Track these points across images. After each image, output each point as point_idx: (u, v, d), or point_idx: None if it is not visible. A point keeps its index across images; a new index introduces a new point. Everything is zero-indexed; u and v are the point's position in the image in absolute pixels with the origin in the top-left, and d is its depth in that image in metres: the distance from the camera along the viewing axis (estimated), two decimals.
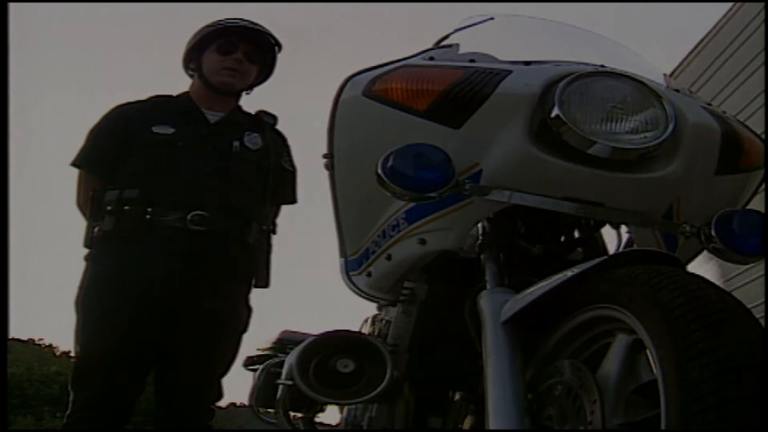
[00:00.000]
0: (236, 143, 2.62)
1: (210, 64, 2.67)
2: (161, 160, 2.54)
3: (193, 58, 2.71)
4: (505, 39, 1.82)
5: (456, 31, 1.82)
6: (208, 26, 2.69)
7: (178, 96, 2.75)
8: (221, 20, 2.70)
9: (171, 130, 2.58)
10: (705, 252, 1.61)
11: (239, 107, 2.76)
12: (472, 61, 1.58)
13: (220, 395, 2.61)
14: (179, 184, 2.51)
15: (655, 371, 1.05)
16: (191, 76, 2.76)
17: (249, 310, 2.65)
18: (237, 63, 2.65)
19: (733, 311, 1.03)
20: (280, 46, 2.77)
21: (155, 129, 2.58)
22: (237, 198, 2.58)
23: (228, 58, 2.65)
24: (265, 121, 2.74)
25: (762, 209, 1.62)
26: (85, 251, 2.59)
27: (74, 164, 2.69)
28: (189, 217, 2.47)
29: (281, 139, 2.79)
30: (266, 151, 2.67)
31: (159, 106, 2.69)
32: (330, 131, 1.72)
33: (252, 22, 2.71)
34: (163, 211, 2.47)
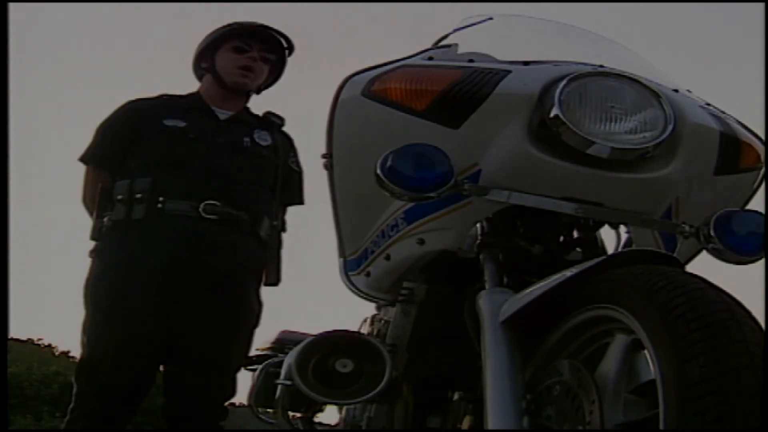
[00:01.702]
0: (247, 139, 2.64)
1: (224, 63, 2.68)
2: (173, 151, 2.54)
3: (206, 57, 2.73)
4: (504, 39, 1.82)
5: (455, 31, 1.82)
6: (222, 27, 2.72)
7: (187, 95, 2.76)
8: (236, 22, 2.72)
9: (182, 124, 2.59)
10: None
11: (247, 108, 2.78)
12: (471, 61, 1.58)
13: (233, 392, 2.55)
14: (191, 174, 2.50)
15: (653, 371, 1.05)
16: (201, 76, 2.78)
17: (260, 305, 2.62)
18: (251, 61, 2.67)
19: (732, 311, 1.03)
20: (292, 49, 2.79)
21: (166, 122, 2.59)
22: (248, 191, 2.58)
23: (242, 57, 2.67)
24: (272, 122, 2.76)
25: (762, 209, 1.62)
26: (91, 247, 2.55)
27: (82, 160, 2.69)
28: (201, 206, 2.45)
29: (288, 140, 2.81)
30: (275, 148, 2.69)
31: (169, 102, 2.71)
32: (329, 131, 1.72)
33: (266, 25, 2.73)
34: (175, 200, 2.46)
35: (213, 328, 2.41)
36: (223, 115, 2.67)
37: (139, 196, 2.45)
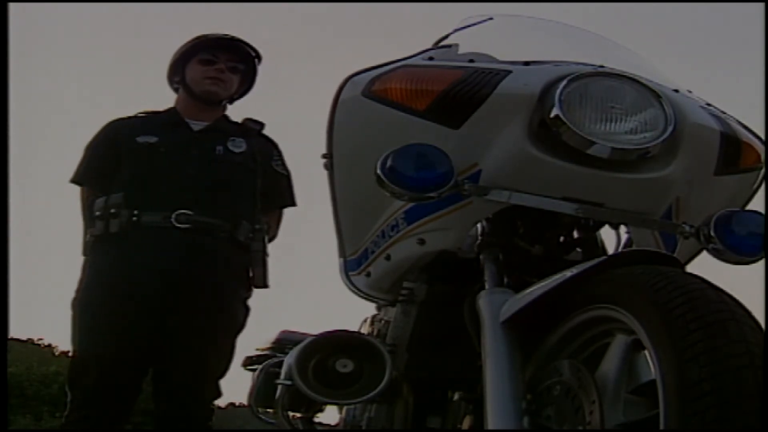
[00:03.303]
0: (219, 147, 2.70)
1: (193, 75, 2.76)
2: (144, 165, 2.63)
3: (178, 71, 2.80)
4: (504, 39, 1.82)
5: (455, 31, 1.82)
6: (190, 41, 2.79)
7: (164, 110, 2.83)
8: (203, 34, 2.79)
9: (154, 139, 2.67)
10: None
11: (225, 117, 2.83)
12: (471, 61, 1.58)
13: (218, 394, 2.64)
14: (163, 186, 2.59)
15: (653, 371, 1.05)
16: (176, 90, 2.84)
17: (246, 309, 2.68)
18: (219, 72, 2.74)
19: (732, 311, 1.03)
20: (259, 58, 2.85)
21: (139, 139, 2.67)
22: (223, 198, 2.64)
23: (210, 69, 2.74)
24: (250, 128, 2.81)
25: (762, 209, 1.62)
26: (83, 261, 2.65)
27: (72, 181, 2.78)
28: (174, 216, 2.53)
29: (270, 144, 2.86)
30: (252, 154, 2.74)
31: (145, 119, 2.79)
32: (329, 131, 1.72)
33: (232, 36, 2.80)
34: (149, 212, 2.55)
35: (196, 333, 2.50)
36: (197, 126, 2.74)
37: (113, 210, 2.54)
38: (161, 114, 2.81)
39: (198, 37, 2.78)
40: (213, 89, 2.74)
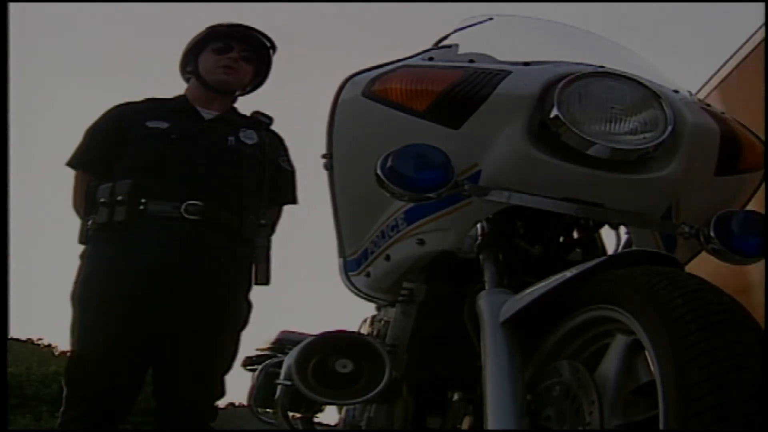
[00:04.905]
0: (231, 138, 2.65)
1: (206, 64, 2.72)
2: (154, 152, 2.56)
3: (191, 60, 2.77)
4: (504, 39, 1.82)
5: (455, 31, 1.82)
6: (204, 30, 2.75)
7: (173, 98, 2.79)
8: (217, 23, 2.75)
9: (165, 125, 2.61)
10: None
11: (234, 108, 2.80)
12: (471, 61, 1.58)
13: (222, 393, 2.58)
14: (173, 175, 2.52)
15: (653, 372, 1.05)
16: (187, 79, 2.80)
17: (249, 305, 2.64)
18: (233, 61, 2.71)
19: (731, 312, 1.03)
20: (274, 48, 2.81)
21: (149, 124, 2.61)
22: (232, 190, 2.59)
23: (224, 57, 2.70)
24: (260, 121, 2.77)
25: (761, 209, 1.62)
26: (81, 250, 2.58)
27: (69, 164, 2.71)
28: (183, 206, 2.47)
29: (278, 139, 2.82)
30: (262, 147, 2.70)
31: (154, 105, 2.73)
32: (329, 131, 1.72)
33: (247, 25, 2.76)
34: (157, 201, 2.48)
35: (199, 329, 2.43)
36: (208, 115, 2.69)
37: (120, 198, 2.46)
38: (170, 101, 2.76)
39: (212, 26, 2.74)
40: (226, 78, 2.70)
